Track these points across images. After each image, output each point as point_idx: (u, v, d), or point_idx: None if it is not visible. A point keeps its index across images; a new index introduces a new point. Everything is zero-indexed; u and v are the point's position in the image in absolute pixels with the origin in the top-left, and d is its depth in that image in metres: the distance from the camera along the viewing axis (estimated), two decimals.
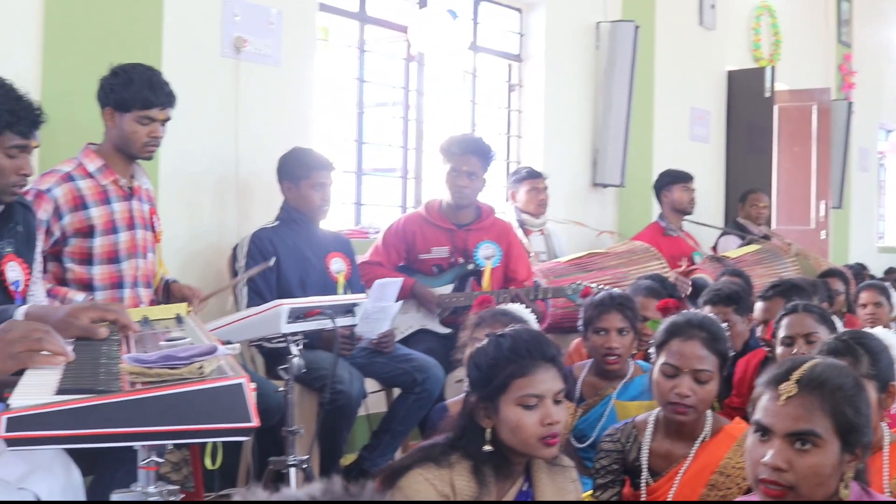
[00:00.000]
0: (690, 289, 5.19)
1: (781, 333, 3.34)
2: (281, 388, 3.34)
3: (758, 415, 1.97)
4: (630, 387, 3.45)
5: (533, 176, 5.79)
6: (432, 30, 5.52)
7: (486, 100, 6.50)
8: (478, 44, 6.29)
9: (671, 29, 7.68)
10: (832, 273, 6.02)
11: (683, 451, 2.73)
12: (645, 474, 2.75)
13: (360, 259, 4.57)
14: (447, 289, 4.63)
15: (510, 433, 2.28)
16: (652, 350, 2.84)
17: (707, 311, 3.80)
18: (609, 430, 2.88)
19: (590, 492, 2.85)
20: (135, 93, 3.50)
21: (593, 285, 4.53)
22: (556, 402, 2.30)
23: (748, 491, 2.56)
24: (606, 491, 2.80)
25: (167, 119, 3.59)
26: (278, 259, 4.08)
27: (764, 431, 1.94)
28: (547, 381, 2.29)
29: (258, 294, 3.99)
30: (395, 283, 4.03)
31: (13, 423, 1.66)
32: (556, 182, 6.17)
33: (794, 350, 3.26)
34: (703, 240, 6.98)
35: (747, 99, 8.39)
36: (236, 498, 0.84)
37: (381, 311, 3.94)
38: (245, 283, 4.02)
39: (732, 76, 8.50)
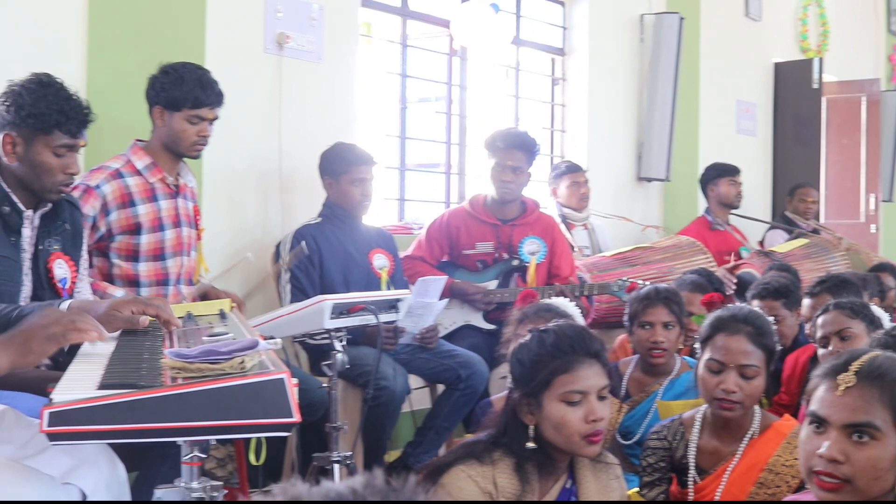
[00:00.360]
0: (735, 285, 5.13)
1: (817, 335, 3.32)
2: (324, 384, 3.34)
3: (814, 406, 1.93)
4: (676, 383, 3.41)
5: (573, 170, 5.75)
6: (475, 24, 5.49)
7: (529, 94, 6.47)
8: (521, 38, 6.26)
9: (717, 20, 7.60)
10: (883, 267, 5.90)
11: (731, 449, 2.68)
12: (692, 472, 2.71)
13: (402, 254, 4.56)
14: (491, 285, 4.60)
15: (553, 430, 2.26)
16: (697, 346, 2.80)
17: (755, 306, 3.75)
18: (655, 428, 2.84)
19: (635, 489, 2.82)
20: (186, 92, 3.52)
21: (639, 281, 4.48)
22: (601, 398, 2.27)
23: (798, 489, 2.52)
24: (653, 489, 2.76)
25: (215, 118, 3.61)
26: (321, 255, 4.08)
27: (820, 423, 1.91)
28: (591, 377, 2.26)
29: (301, 290, 3.99)
30: (438, 281, 4.02)
31: (56, 418, 1.67)
32: (601, 176, 6.12)
33: (831, 347, 3.22)
34: (750, 234, 6.90)
35: (795, 91, 8.28)
36: (276, 491, 0.83)
37: (424, 307, 3.92)
38: (287, 268, 4.02)
39: (779, 68, 8.40)
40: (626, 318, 3.54)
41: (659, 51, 6.75)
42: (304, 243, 3.90)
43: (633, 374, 3.50)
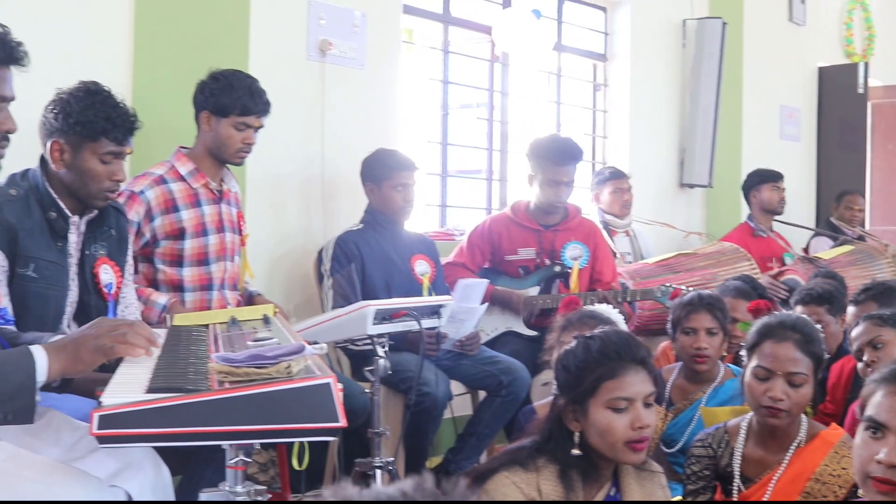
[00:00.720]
0: (786, 293, 5.07)
1: (853, 348, 3.29)
2: (367, 390, 3.34)
3: (871, 411, 1.91)
4: (720, 391, 3.38)
5: (616, 176, 5.72)
6: (516, 30, 5.49)
7: (570, 100, 6.45)
8: (562, 43, 6.25)
9: (760, 25, 7.53)
10: None
11: (777, 458, 2.65)
12: (737, 481, 2.68)
13: (444, 261, 4.56)
14: (533, 291, 4.59)
15: (599, 437, 2.24)
16: (743, 353, 2.77)
17: (799, 311, 3.72)
18: (700, 435, 2.82)
19: (679, 497, 2.80)
20: (235, 99, 3.55)
21: (682, 287, 4.45)
22: (647, 405, 2.26)
23: (846, 499, 2.49)
24: (697, 497, 2.74)
25: (261, 126, 3.64)
26: (363, 261, 4.09)
27: (877, 428, 1.89)
28: (637, 383, 2.25)
29: (343, 296, 4.00)
30: (479, 285, 4.01)
31: (105, 421, 1.69)
32: (643, 183, 6.09)
33: (865, 357, 3.19)
34: (794, 241, 6.82)
35: (839, 96, 8.19)
36: (327, 494, 0.83)
37: (466, 312, 3.92)
38: (329, 274, 4.03)
39: (823, 73, 8.31)
40: (669, 324, 3.52)
41: (701, 56, 6.71)
42: (353, 265, 3.91)
43: (676, 381, 3.47)
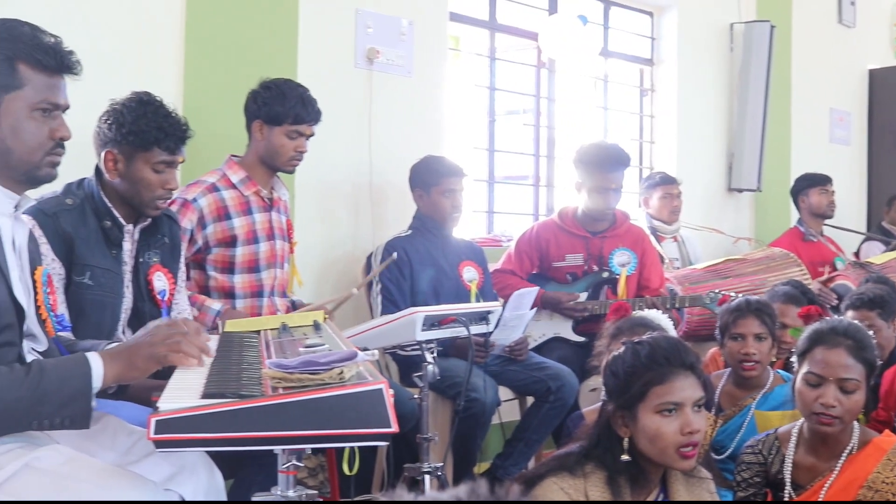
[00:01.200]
0: (836, 300, 5.02)
1: None
2: (415, 396, 3.36)
3: None
4: (770, 397, 3.35)
5: (667, 182, 5.69)
6: (563, 36, 5.49)
7: (617, 105, 6.43)
8: (609, 49, 6.24)
9: (809, 28, 7.46)
10: None
11: (829, 465, 2.63)
12: (788, 488, 2.66)
13: (492, 267, 4.56)
14: (581, 297, 4.58)
15: (648, 442, 2.24)
16: (793, 359, 2.75)
17: (850, 316, 3.67)
18: (750, 442, 2.81)
19: None
20: (288, 108, 3.59)
21: (731, 293, 4.42)
22: (696, 410, 2.25)
23: None
24: None
25: (312, 135, 3.68)
26: (412, 267, 4.11)
27: None
28: (686, 388, 2.24)
29: (392, 302, 4.03)
30: (531, 293, 4.01)
31: (161, 426, 1.72)
32: (691, 187, 6.06)
33: None
34: (845, 245, 6.74)
35: (890, 98, 8.08)
36: (381, 499, 0.85)
37: (516, 319, 3.93)
38: (378, 280, 4.05)
39: (874, 75, 8.21)
40: (717, 330, 3.50)
41: (749, 59, 6.66)
42: (395, 254, 3.93)
43: (725, 387, 3.45)
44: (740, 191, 6.80)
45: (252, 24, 4.18)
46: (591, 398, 3.96)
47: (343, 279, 4.49)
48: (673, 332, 3.20)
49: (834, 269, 5.83)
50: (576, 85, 6.12)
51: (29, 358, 2.17)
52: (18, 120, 2.13)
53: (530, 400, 4.25)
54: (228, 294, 3.58)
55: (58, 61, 2.16)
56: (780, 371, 3.46)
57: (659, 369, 2.24)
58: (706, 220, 6.35)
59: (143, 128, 2.91)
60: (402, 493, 0.85)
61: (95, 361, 2.05)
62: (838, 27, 7.84)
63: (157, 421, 1.71)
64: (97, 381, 2.03)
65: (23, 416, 1.96)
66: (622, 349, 2.34)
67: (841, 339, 2.64)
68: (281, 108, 3.59)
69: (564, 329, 4.56)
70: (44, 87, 2.15)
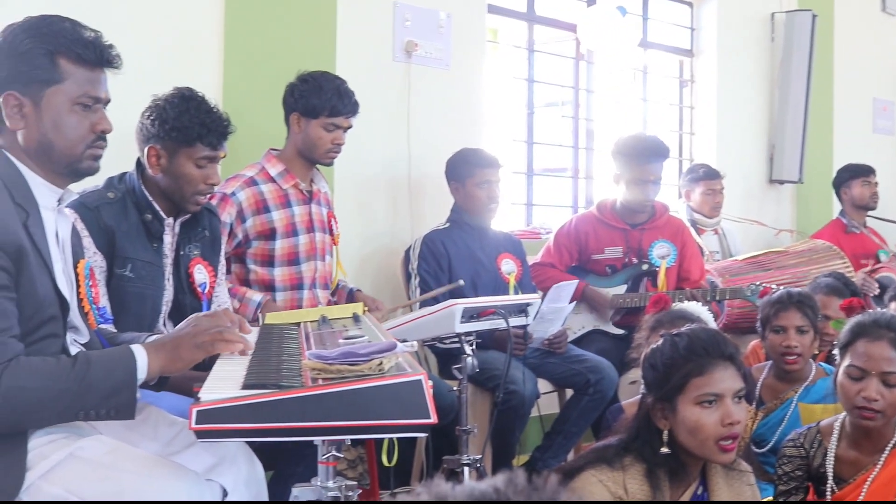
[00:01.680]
0: (878, 289, 4.96)
1: None
2: (454, 388, 3.37)
3: None
4: (812, 390, 3.32)
5: (710, 177, 5.63)
6: (601, 28, 5.46)
7: (657, 97, 6.39)
8: (648, 40, 6.20)
9: (851, 16, 7.37)
10: None
11: (872, 459, 2.60)
12: (830, 482, 2.64)
13: (531, 260, 4.56)
14: (620, 289, 4.56)
15: (688, 434, 2.23)
16: (835, 351, 2.72)
17: (893, 309, 3.63)
18: (791, 435, 2.78)
19: (770, 498, 2.76)
20: (325, 100, 3.60)
21: (772, 285, 4.38)
22: (736, 401, 2.24)
23: None
24: (789, 498, 2.70)
25: (349, 127, 3.69)
26: (450, 260, 4.11)
27: None
28: (725, 379, 2.23)
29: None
30: (570, 286, 4.00)
31: (202, 416, 1.74)
32: (731, 179, 6.00)
33: None
34: (889, 237, 6.65)
35: None
36: (420, 490, 0.85)
37: (555, 312, 3.92)
38: (416, 273, 4.07)
39: None
40: (758, 323, 3.47)
41: (791, 49, 6.59)
42: (461, 281, 3.93)
43: (766, 380, 3.42)
44: (782, 182, 6.73)
45: (291, 19, 4.20)
46: (631, 391, 3.95)
47: (381, 272, 4.50)
48: (713, 324, 3.18)
49: (877, 261, 5.76)
50: (615, 76, 6.09)
51: (72, 350, 2.21)
52: (59, 114, 2.16)
53: (569, 392, 4.25)
54: (268, 287, 3.60)
55: (98, 55, 2.18)
56: (822, 364, 3.43)
57: (698, 360, 2.23)
58: (747, 212, 6.30)
59: (186, 124, 2.93)
60: (440, 483, 0.85)
61: (140, 353, 2.08)
62: (882, 15, 7.73)
63: (198, 411, 1.73)
64: (142, 373, 2.06)
65: (69, 406, 2.00)
66: (661, 341, 2.33)
67: (884, 331, 2.61)
68: (317, 100, 3.61)
69: (604, 321, 4.55)
70: (84, 80, 2.18)
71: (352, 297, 3.80)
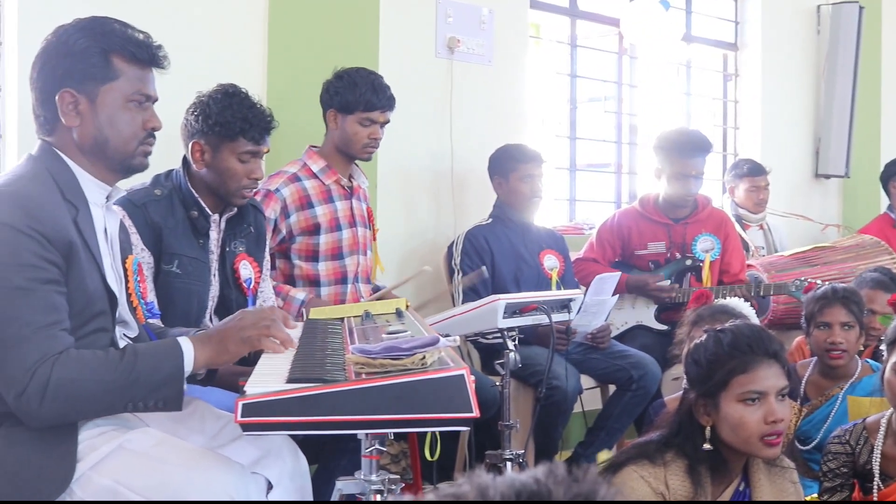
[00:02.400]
0: None
1: None
2: (497, 383, 3.38)
3: None
4: (858, 387, 3.29)
5: (754, 173, 5.56)
6: (644, 22, 5.43)
7: (700, 91, 6.35)
8: (692, 34, 6.16)
9: None
10: None
11: None
12: (876, 479, 2.61)
13: (574, 256, 4.55)
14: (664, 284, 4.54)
15: (731, 431, 2.22)
16: (882, 347, 2.70)
17: None
18: (837, 432, 2.76)
19: (815, 495, 2.74)
20: (359, 96, 3.63)
21: (818, 281, 4.34)
22: (780, 399, 2.22)
23: None
24: (834, 495, 2.68)
25: (387, 122, 3.71)
26: (492, 255, 4.12)
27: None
28: (770, 377, 2.21)
29: (473, 290, 4.04)
30: (612, 278, 3.99)
31: (248, 409, 1.76)
32: (777, 174, 5.95)
33: None
34: None
35: None
36: (462, 481, 0.86)
37: (598, 305, 3.91)
38: (459, 268, 4.08)
39: None
40: (803, 319, 3.44)
41: (837, 42, 6.51)
42: (484, 268, 3.94)
43: (811, 376, 3.40)
44: (828, 177, 6.66)
45: (334, 16, 4.23)
46: (674, 387, 3.93)
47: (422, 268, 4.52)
48: (755, 320, 3.16)
49: None
50: (658, 71, 6.06)
51: (121, 344, 2.24)
52: (114, 110, 2.20)
53: (612, 388, 4.24)
54: (313, 282, 3.63)
55: (148, 55, 2.22)
56: (868, 360, 3.40)
57: (742, 357, 2.22)
58: (792, 207, 6.24)
59: (229, 118, 2.97)
60: (482, 474, 0.86)
61: (187, 346, 2.11)
62: None
63: (243, 405, 1.76)
64: (188, 365, 2.10)
65: (117, 398, 2.03)
66: (704, 337, 2.32)
67: None
68: (352, 96, 3.63)
69: (647, 317, 4.53)
70: (136, 79, 2.22)
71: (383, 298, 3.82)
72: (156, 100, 2.29)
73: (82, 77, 2.18)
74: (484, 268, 3.95)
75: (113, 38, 2.19)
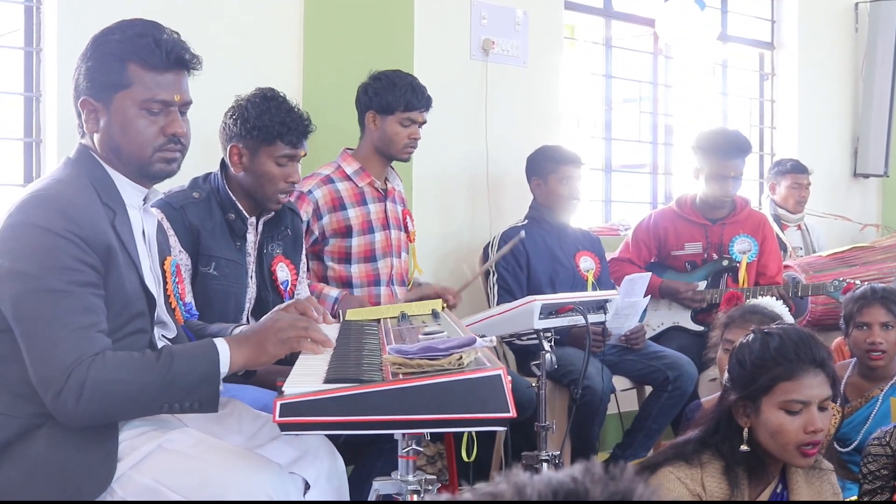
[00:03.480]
0: None
1: None
2: (532, 384, 3.37)
3: None
4: None
5: (797, 171, 5.53)
6: (680, 21, 5.41)
7: (737, 90, 6.31)
8: (727, 33, 6.12)
9: None
10: None
11: None
12: None
13: (609, 256, 4.54)
14: (700, 286, 4.52)
15: (769, 437, 2.19)
16: None
17: None
18: (877, 434, 2.73)
19: (854, 497, 2.72)
20: (399, 96, 3.65)
21: (856, 281, 4.30)
22: (822, 409, 2.19)
23: None
24: (874, 497, 2.66)
25: (424, 122, 3.72)
26: (528, 257, 4.12)
27: None
28: (814, 386, 2.18)
29: (508, 292, 4.04)
30: (643, 278, 3.98)
31: (286, 409, 1.77)
32: (815, 174, 5.90)
33: None
34: None
35: None
36: (499, 479, 0.86)
37: (630, 307, 3.90)
38: (494, 270, 4.08)
39: None
40: (841, 319, 3.41)
41: (875, 40, 6.45)
42: (523, 232, 3.93)
43: (851, 378, 3.37)
44: (866, 176, 6.59)
45: (368, 19, 4.25)
46: (711, 388, 3.91)
47: (460, 269, 4.53)
48: (789, 318, 3.13)
49: None
50: (694, 71, 6.03)
51: (160, 345, 2.26)
52: (127, 117, 2.19)
53: (648, 389, 4.22)
54: (346, 284, 3.65)
55: (168, 58, 2.21)
56: None
57: (788, 365, 2.18)
58: (831, 207, 6.19)
59: (267, 122, 2.99)
60: (518, 472, 0.87)
61: (223, 347, 2.12)
62: None
63: (281, 404, 1.77)
64: (224, 367, 2.11)
65: (153, 400, 2.05)
66: (751, 337, 2.28)
67: None
68: (392, 96, 3.65)
69: (683, 318, 4.51)
70: (153, 84, 2.20)
71: (422, 293, 3.82)
72: (184, 103, 2.25)
73: (100, 85, 2.19)
74: (523, 232, 3.93)
75: (129, 45, 2.19)
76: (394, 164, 3.81)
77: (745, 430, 2.23)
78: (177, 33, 2.27)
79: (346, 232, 3.63)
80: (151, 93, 2.19)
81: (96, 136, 2.21)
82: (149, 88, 2.19)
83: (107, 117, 2.20)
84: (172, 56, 2.21)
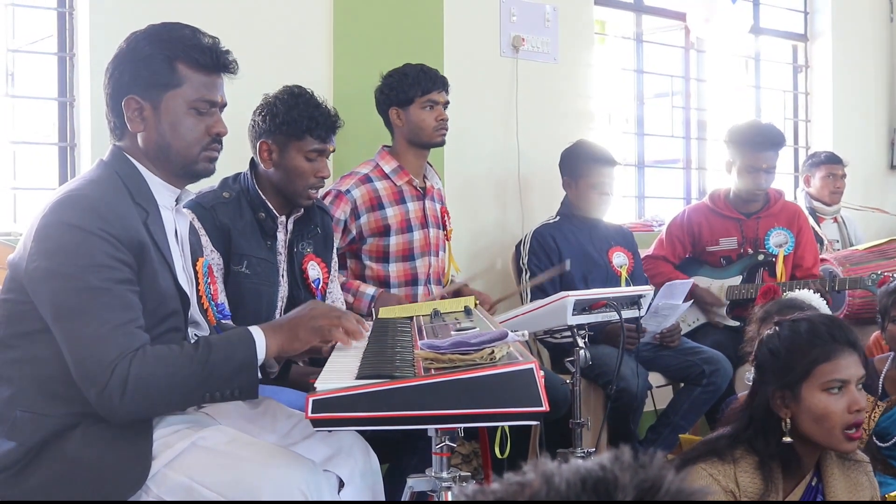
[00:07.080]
0: None
1: None
2: (567, 381, 3.36)
3: None
4: None
5: (832, 161, 5.45)
6: (711, 15, 5.37)
7: (770, 83, 6.25)
8: (760, 26, 6.07)
9: None
10: None
11: None
12: None
13: (643, 253, 4.51)
14: (735, 280, 4.48)
15: (814, 422, 2.17)
16: None
17: None
18: None
19: (894, 493, 2.68)
20: (412, 82, 3.66)
21: (893, 274, 4.25)
22: (859, 389, 2.19)
23: None
24: None
25: (447, 103, 3.72)
26: (560, 254, 4.09)
27: None
28: (851, 365, 2.18)
29: (540, 289, 4.02)
30: (684, 285, 3.93)
31: (318, 405, 1.77)
32: (850, 166, 5.82)
33: None
34: None
35: None
36: (527, 469, 0.86)
37: (669, 309, 3.86)
38: (527, 267, 4.07)
39: None
40: (878, 313, 3.37)
41: None
42: (568, 261, 3.92)
43: (889, 371, 3.31)
44: None
45: (398, 17, 4.25)
46: (747, 385, 3.88)
47: (492, 267, 4.52)
48: (826, 311, 3.10)
49: None
50: (726, 64, 5.98)
51: None
52: (177, 117, 2.23)
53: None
54: (384, 282, 3.65)
55: (214, 61, 2.25)
56: None
57: (824, 346, 2.18)
58: (867, 200, 6.11)
59: (296, 117, 3.01)
60: (547, 461, 0.86)
61: (258, 334, 2.14)
62: None
63: (314, 400, 1.77)
64: (261, 351, 2.12)
65: (194, 390, 2.06)
66: (777, 328, 2.28)
67: None
68: (406, 86, 3.68)
69: (718, 314, 4.47)
70: (201, 85, 2.24)
71: (458, 292, 3.82)
72: (223, 105, 2.31)
73: (147, 84, 2.21)
74: (568, 261, 3.92)
75: (178, 45, 2.23)
76: (431, 161, 3.81)
77: (786, 420, 2.21)
78: (215, 38, 2.30)
79: (385, 231, 3.64)
80: (200, 93, 2.24)
81: (141, 135, 2.23)
82: (198, 89, 2.24)
83: (154, 116, 2.23)
84: (217, 59, 2.25)
